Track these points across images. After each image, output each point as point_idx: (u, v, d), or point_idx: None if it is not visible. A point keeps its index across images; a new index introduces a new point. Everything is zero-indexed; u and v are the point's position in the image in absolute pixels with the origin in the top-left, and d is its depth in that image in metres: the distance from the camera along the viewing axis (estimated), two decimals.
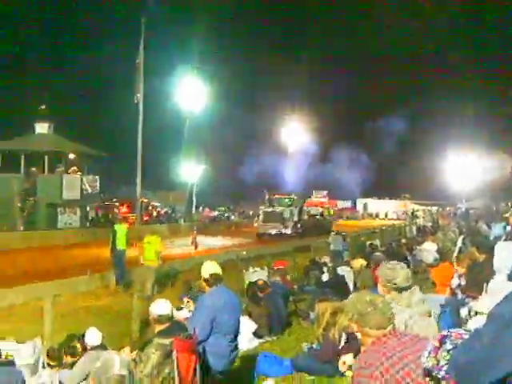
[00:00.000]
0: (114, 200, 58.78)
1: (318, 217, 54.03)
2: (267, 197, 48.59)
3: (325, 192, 72.82)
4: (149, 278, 18.30)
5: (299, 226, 46.33)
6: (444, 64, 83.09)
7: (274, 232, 43.98)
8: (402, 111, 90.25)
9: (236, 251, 27.20)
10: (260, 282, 13.59)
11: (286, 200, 48.36)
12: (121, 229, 20.32)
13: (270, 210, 46.26)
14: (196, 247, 31.99)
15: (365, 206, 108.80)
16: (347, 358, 6.75)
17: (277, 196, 49.23)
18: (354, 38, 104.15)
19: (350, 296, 4.44)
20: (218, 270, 7.80)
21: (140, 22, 43.61)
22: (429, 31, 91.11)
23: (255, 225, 46.97)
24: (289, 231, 44.44)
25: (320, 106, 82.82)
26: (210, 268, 7.80)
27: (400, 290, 5.86)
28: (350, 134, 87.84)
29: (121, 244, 19.96)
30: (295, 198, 48.99)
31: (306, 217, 50.60)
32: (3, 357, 8.18)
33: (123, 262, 20.06)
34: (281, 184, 61.92)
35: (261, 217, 46.26)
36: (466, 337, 2.83)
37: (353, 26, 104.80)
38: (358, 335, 4.14)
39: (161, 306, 6.93)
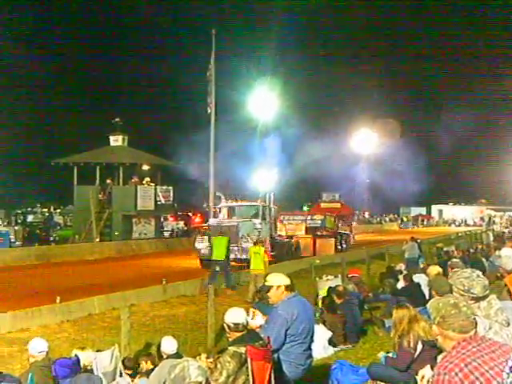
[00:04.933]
0: (188, 210, 59.34)
1: (319, 230, 37.56)
2: (222, 204, 33.03)
3: (337, 195, 51.47)
4: (258, 283, 18.73)
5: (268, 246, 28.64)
6: None
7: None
8: (475, 107, 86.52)
9: (309, 260, 27.16)
10: (340, 288, 13.57)
11: (249, 208, 32.06)
12: (220, 241, 22.24)
13: (221, 223, 29.84)
14: (270, 257, 31.82)
15: (440, 213, 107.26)
16: (426, 372, 6.60)
17: (235, 204, 32.65)
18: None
19: (433, 299, 4.36)
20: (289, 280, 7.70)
21: (211, 32, 44.04)
22: (501, 14, 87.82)
23: (197, 246, 28.71)
24: (246, 255, 25.55)
25: (386, 107, 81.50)
26: (280, 278, 7.69)
27: (478, 299, 5.74)
28: (418, 135, 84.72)
29: (219, 255, 21.70)
30: (266, 204, 32.08)
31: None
32: (82, 366, 8.39)
33: (227, 270, 21.82)
34: (347, 189, 58.72)
35: (206, 234, 29.55)
36: None
37: (421, 17, 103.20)
38: (439, 339, 4.06)
39: (236, 315, 6.91)
